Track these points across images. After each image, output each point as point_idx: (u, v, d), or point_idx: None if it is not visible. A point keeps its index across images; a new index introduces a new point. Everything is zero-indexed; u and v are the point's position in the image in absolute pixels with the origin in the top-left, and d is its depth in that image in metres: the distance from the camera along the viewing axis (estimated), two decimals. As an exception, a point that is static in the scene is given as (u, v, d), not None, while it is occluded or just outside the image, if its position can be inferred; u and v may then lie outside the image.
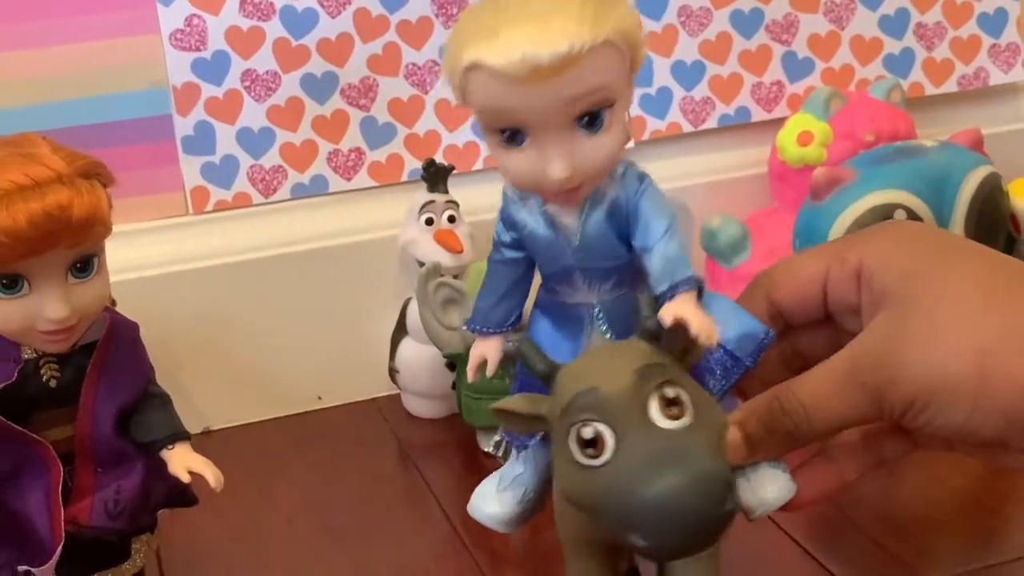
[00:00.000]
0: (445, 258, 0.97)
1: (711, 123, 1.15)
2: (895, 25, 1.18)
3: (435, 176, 1.00)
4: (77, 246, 0.61)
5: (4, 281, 0.61)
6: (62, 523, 0.65)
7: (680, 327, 0.54)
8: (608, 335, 0.60)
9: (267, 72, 1.02)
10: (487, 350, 0.63)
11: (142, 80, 1.00)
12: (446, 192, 1.01)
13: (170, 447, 0.67)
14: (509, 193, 0.61)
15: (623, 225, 0.58)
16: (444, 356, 0.96)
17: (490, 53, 0.53)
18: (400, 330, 1.03)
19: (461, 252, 0.98)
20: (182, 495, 0.71)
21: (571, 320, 0.61)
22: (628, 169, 0.59)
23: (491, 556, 0.82)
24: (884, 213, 0.92)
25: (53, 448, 0.65)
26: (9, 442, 0.64)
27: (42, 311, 0.62)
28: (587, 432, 0.53)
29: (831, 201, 0.95)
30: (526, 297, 0.64)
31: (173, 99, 1.01)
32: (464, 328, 0.66)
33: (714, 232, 1.05)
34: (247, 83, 1.02)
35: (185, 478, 0.66)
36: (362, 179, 1.07)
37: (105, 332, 0.66)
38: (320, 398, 1.07)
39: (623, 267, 0.60)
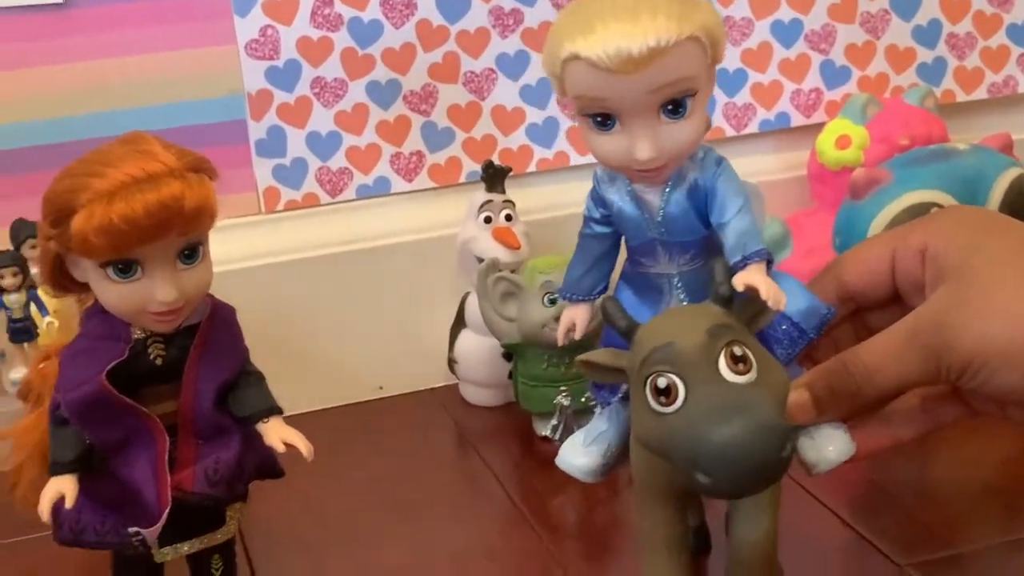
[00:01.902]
0: (503, 254, 1.01)
1: (752, 128, 1.18)
2: (928, 35, 1.20)
3: (493, 177, 1.04)
4: (186, 234, 0.66)
5: (120, 266, 0.65)
6: (168, 489, 0.69)
7: (750, 294, 0.59)
8: (685, 303, 0.66)
9: (335, 79, 1.07)
10: (576, 315, 0.69)
11: (219, 87, 1.04)
12: (503, 192, 1.05)
13: (265, 420, 0.71)
14: (600, 173, 0.67)
15: (701, 203, 0.63)
16: (502, 346, 1.00)
17: (586, 46, 0.58)
18: (459, 322, 1.07)
19: (518, 248, 1.02)
20: (271, 467, 0.74)
21: (652, 289, 0.67)
22: (707, 153, 0.64)
23: (552, 530, 0.86)
24: (919, 212, 0.94)
25: (164, 433, 0.69)
26: (120, 414, 0.68)
27: (153, 294, 0.66)
28: (661, 382, 0.57)
29: (870, 200, 0.98)
30: (612, 269, 0.69)
31: (248, 105, 1.05)
32: (559, 297, 0.71)
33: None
34: (316, 90, 1.06)
35: (280, 448, 0.70)
36: (423, 180, 1.11)
37: (207, 315, 0.70)
38: (381, 388, 1.11)
39: (700, 241, 0.65)
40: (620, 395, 0.68)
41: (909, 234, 0.66)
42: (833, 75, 1.19)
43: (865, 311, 0.70)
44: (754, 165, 1.16)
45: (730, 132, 1.17)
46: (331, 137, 1.08)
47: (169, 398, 0.70)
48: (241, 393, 0.71)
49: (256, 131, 1.06)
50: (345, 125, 1.08)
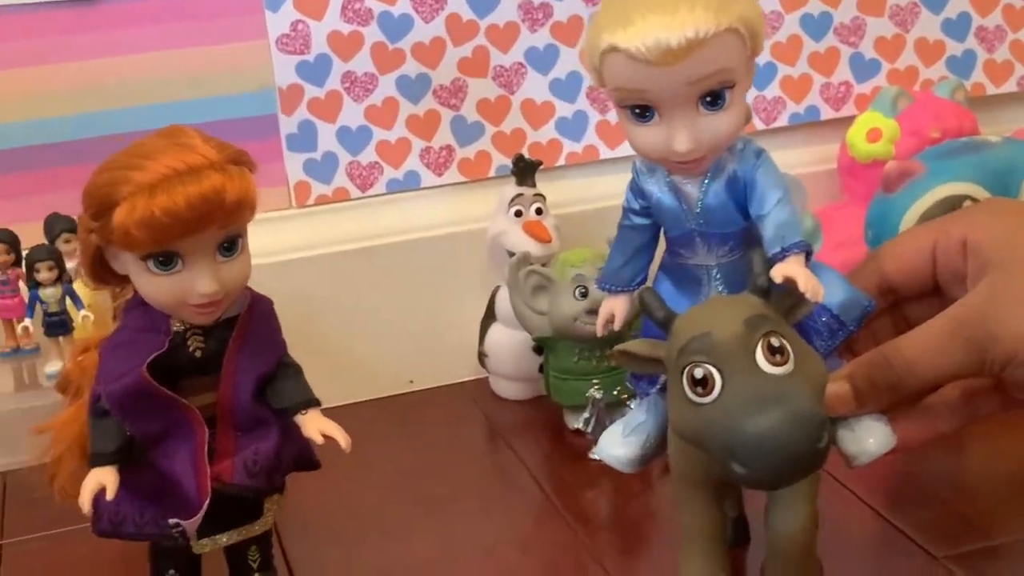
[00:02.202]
0: (534, 248, 1.01)
1: (782, 121, 1.17)
2: (957, 28, 1.20)
3: (524, 171, 1.04)
4: (227, 227, 0.66)
5: (161, 258, 0.65)
6: (208, 480, 0.69)
7: (789, 285, 0.59)
8: (723, 294, 0.66)
9: (365, 74, 1.07)
10: (615, 306, 0.70)
11: (251, 82, 1.05)
12: (534, 186, 1.05)
13: (304, 412, 0.71)
14: (639, 165, 0.67)
15: (740, 195, 0.63)
16: (533, 339, 1.00)
17: (625, 38, 0.58)
18: (489, 316, 1.07)
19: (549, 242, 1.02)
20: (308, 459, 0.75)
21: (691, 280, 0.67)
22: (747, 144, 0.64)
23: (585, 522, 0.86)
24: (952, 204, 0.94)
25: (203, 425, 0.70)
26: (160, 406, 0.68)
27: (194, 286, 0.66)
28: (698, 372, 0.57)
29: (902, 193, 0.97)
30: (651, 260, 0.69)
31: (279, 99, 1.05)
32: (598, 288, 0.71)
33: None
34: (347, 84, 1.07)
35: (319, 440, 0.70)
36: (452, 174, 1.11)
37: (246, 307, 0.71)
38: (412, 381, 1.11)
39: (739, 233, 0.65)
40: (658, 386, 0.68)
41: (951, 226, 0.66)
42: (863, 68, 1.19)
43: (904, 303, 0.70)
44: (784, 159, 1.09)
45: (760, 126, 1.17)
46: (361, 131, 1.08)
47: (208, 390, 0.70)
48: (279, 385, 0.72)
49: (287, 125, 1.06)
50: (375, 119, 1.08)
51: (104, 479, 0.68)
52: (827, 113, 1.19)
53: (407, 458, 0.99)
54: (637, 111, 0.62)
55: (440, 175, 1.11)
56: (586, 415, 0.94)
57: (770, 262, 0.61)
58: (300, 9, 1.04)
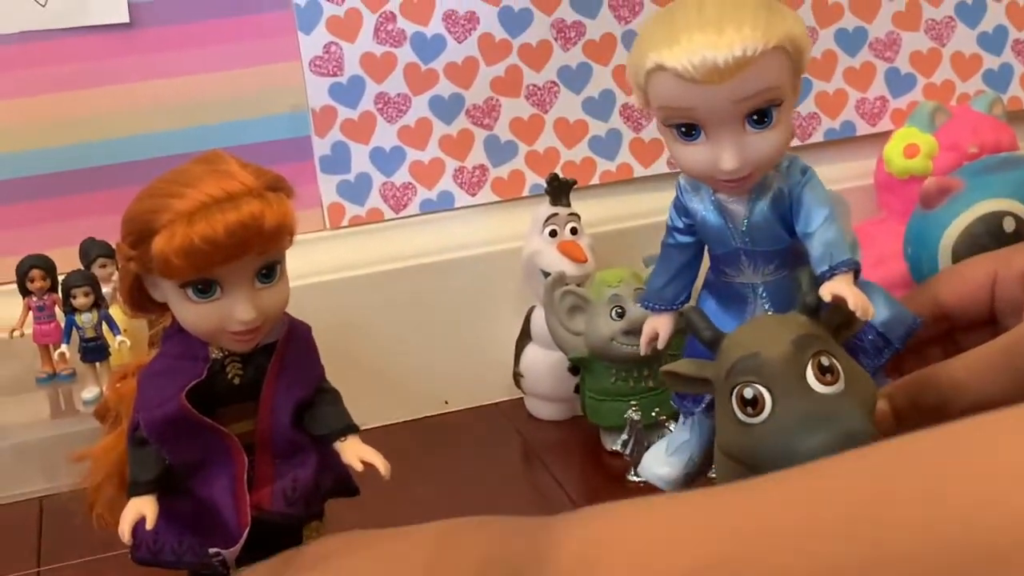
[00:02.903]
0: (569, 268, 1.00)
1: (817, 137, 1.17)
2: (993, 41, 1.19)
3: (558, 190, 1.04)
4: (265, 253, 0.65)
5: (200, 286, 0.64)
6: (248, 508, 0.68)
7: (838, 303, 0.58)
8: (770, 313, 0.65)
9: (398, 95, 1.07)
10: (659, 325, 0.69)
11: (284, 104, 1.05)
12: (568, 205, 1.04)
13: (343, 439, 0.70)
14: (683, 183, 0.66)
15: (786, 213, 0.63)
16: (569, 360, 0.99)
17: (671, 56, 0.58)
18: (524, 336, 1.06)
19: (585, 261, 1.01)
20: (347, 486, 0.74)
21: (736, 299, 0.66)
22: (792, 161, 0.64)
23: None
24: (993, 221, 0.94)
25: (242, 452, 0.69)
26: (199, 434, 0.68)
27: (232, 313, 0.65)
28: (748, 392, 0.57)
29: (942, 210, 0.97)
30: (695, 278, 0.69)
31: (312, 121, 1.05)
32: (641, 306, 0.71)
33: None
34: (380, 105, 1.06)
35: (358, 467, 0.69)
36: (486, 194, 1.10)
37: (284, 333, 0.70)
38: (447, 402, 1.10)
39: (785, 251, 0.64)
40: (703, 405, 0.67)
41: (1012, 256, 0.65)
42: (898, 83, 1.18)
43: (958, 332, 0.69)
44: (820, 174, 1.09)
45: (795, 142, 1.13)
46: (395, 152, 1.08)
47: (246, 417, 0.70)
48: (318, 411, 0.71)
49: (320, 147, 1.06)
50: (408, 140, 1.08)
51: (143, 508, 0.68)
52: (863, 129, 1.18)
53: (443, 480, 0.98)
54: (683, 129, 0.61)
55: (474, 195, 1.11)
56: (624, 437, 0.93)
57: (818, 280, 0.60)
58: (333, 31, 1.04)
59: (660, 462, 0.70)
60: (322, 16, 1.04)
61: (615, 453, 0.96)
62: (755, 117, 0.60)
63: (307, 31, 1.04)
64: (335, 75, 1.05)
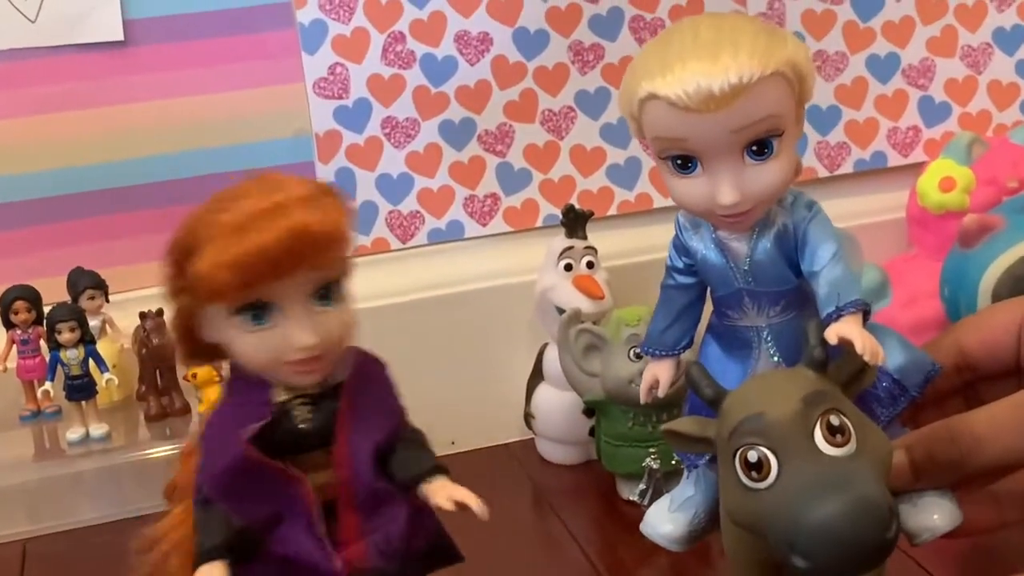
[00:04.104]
0: (585, 304, 0.97)
1: (847, 168, 1.15)
2: None
3: (574, 222, 1.01)
4: (320, 266, 0.60)
5: (254, 312, 0.60)
6: (332, 550, 0.63)
7: (846, 348, 0.55)
8: (776, 358, 0.62)
9: (407, 119, 1.04)
10: (659, 371, 0.66)
11: (286, 128, 1.02)
12: (585, 238, 1.01)
13: (429, 480, 0.65)
14: (682, 220, 0.63)
15: (791, 251, 0.60)
16: (585, 402, 0.96)
17: (664, 84, 0.56)
18: (536, 375, 1.03)
19: (602, 298, 0.98)
20: (446, 550, 0.69)
21: (741, 343, 0.63)
22: (797, 197, 0.61)
23: (638, 599, 0.82)
24: None
25: (314, 495, 0.64)
26: (267, 483, 0.62)
27: (290, 340, 0.60)
28: (752, 456, 0.54)
29: (982, 249, 0.94)
30: (698, 321, 0.66)
31: (316, 146, 1.03)
32: (641, 352, 0.68)
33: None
34: (387, 130, 1.04)
35: (448, 506, 0.63)
36: (498, 224, 1.08)
37: (352, 369, 0.65)
38: (453, 443, 1.05)
39: (791, 292, 0.61)
40: (708, 457, 0.64)
41: None
42: (932, 112, 1.16)
43: (981, 383, 0.65)
44: (849, 207, 1.13)
45: (823, 172, 1.14)
46: (402, 179, 1.05)
47: (320, 468, 0.64)
48: (401, 455, 0.65)
49: (324, 173, 1.04)
50: (417, 167, 1.06)
51: (213, 575, 0.62)
52: (894, 159, 1.16)
53: (446, 524, 0.94)
54: (679, 162, 0.59)
55: (485, 225, 1.08)
56: (642, 486, 0.90)
57: (824, 323, 0.57)
58: (339, 52, 1.02)
59: (664, 519, 0.66)
60: (327, 36, 1.02)
61: (632, 503, 0.93)
62: (755, 148, 0.58)
63: (311, 51, 1.02)
64: (340, 98, 1.03)
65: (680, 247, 0.64)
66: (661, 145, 0.59)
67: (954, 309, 0.97)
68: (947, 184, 1.05)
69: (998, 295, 0.92)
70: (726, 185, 0.58)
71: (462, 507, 0.64)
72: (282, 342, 0.61)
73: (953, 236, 1.00)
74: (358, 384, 0.65)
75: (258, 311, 0.60)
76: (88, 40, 0.97)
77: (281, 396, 0.63)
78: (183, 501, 0.68)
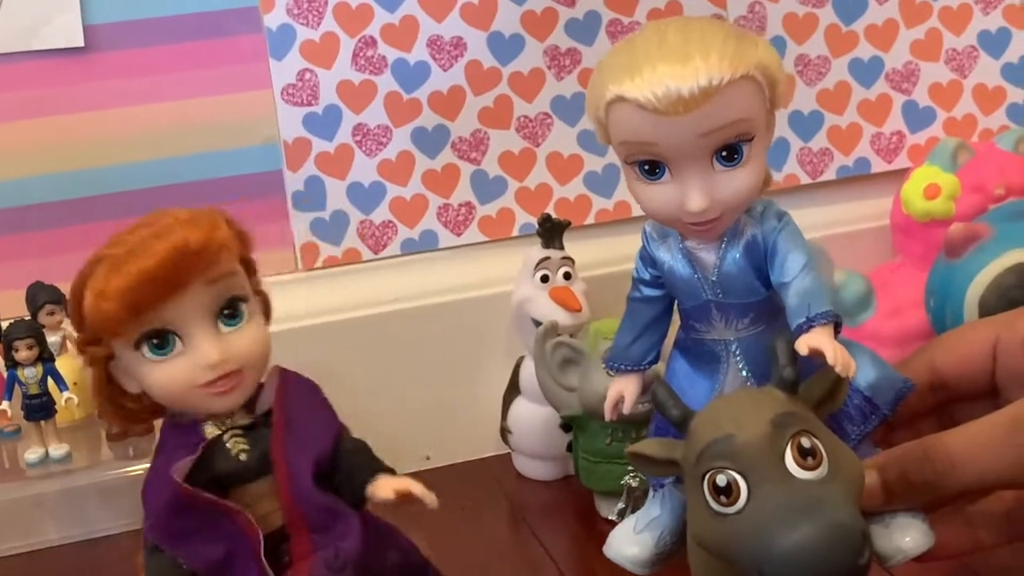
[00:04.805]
0: (562, 316, 0.96)
1: (829, 174, 1.14)
2: (1019, 73, 1.16)
3: (551, 232, 0.99)
4: (212, 282, 0.61)
5: (155, 341, 0.61)
6: None
7: (819, 366, 0.55)
8: (745, 372, 0.61)
9: (378, 126, 1.03)
10: (625, 387, 0.65)
11: (254, 136, 1.01)
12: (562, 248, 0.99)
13: (372, 481, 0.65)
14: (649, 230, 0.63)
15: (761, 262, 0.59)
16: (561, 417, 0.94)
17: (633, 87, 0.55)
18: (512, 389, 1.01)
19: (579, 310, 0.97)
20: (422, 571, 0.69)
21: (709, 358, 0.62)
22: (767, 206, 0.60)
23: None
24: None
25: (262, 525, 0.63)
26: (211, 522, 0.62)
27: (198, 360, 0.61)
28: (721, 480, 0.53)
29: (968, 259, 0.92)
30: (664, 335, 0.66)
31: (284, 154, 1.01)
32: (605, 367, 0.67)
33: (837, 288, 1.03)
34: (358, 137, 1.02)
35: (391, 497, 0.64)
36: (473, 234, 1.06)
37: (277, 387, 0.65)
38: (428, 458, 1.05)
39: (760, 304, 0.60)
40: (674, 477, 0.62)
41: (1017, 320, 0.63)
42: (916, 117, 1.15)
43: (955, 404, 0.65)
44: (831, 215, 1.12)
45: (805, 179, 1.12)
46: (374, 188, 1.04)
47: (267, 496, 0.64)
48: (345, 470, 0.66)
49: (293, 182, 1.02)
50: (389, 175, 1.04)
51: None
52: (878, 166, 1.15)
53: (419, 543, 0.92)
54: (646, 168, 0.58)
55: (459, 234, 1.06)
56: (621, 505, 0.87)
57: (795, 334, 0.56)
58: (307, 57, 1.00)
59: (629, 541, 0.65)
60: (296, 41, 1.00)
61: (611, 521, 0.90)
62: (724, 154, 0.57)
63: (279, 57, 1.00)
64: (310, 104, 1.01)
65: (647, 258, 0.63)
66: (628, 150, 0.58)
67: (940, 320, 0.96)
68: (932, 191, 1.04)
69: (985, 306, 0.91)
70: (695, 191, 0.57)
71: (406, 497, 0.64)
72: (191, 365, 0.61)
73: (939, 244, 0.98)
74: (286, 404, 0.65)
75: (159, 340, 0.61)
76: (47, 47, 0.95)
77: (213, 432, 0.63)
78: None
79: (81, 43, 0.95)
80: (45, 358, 0.89)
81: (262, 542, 0.62)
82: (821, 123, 1.12)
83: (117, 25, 0.96)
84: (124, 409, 0.65)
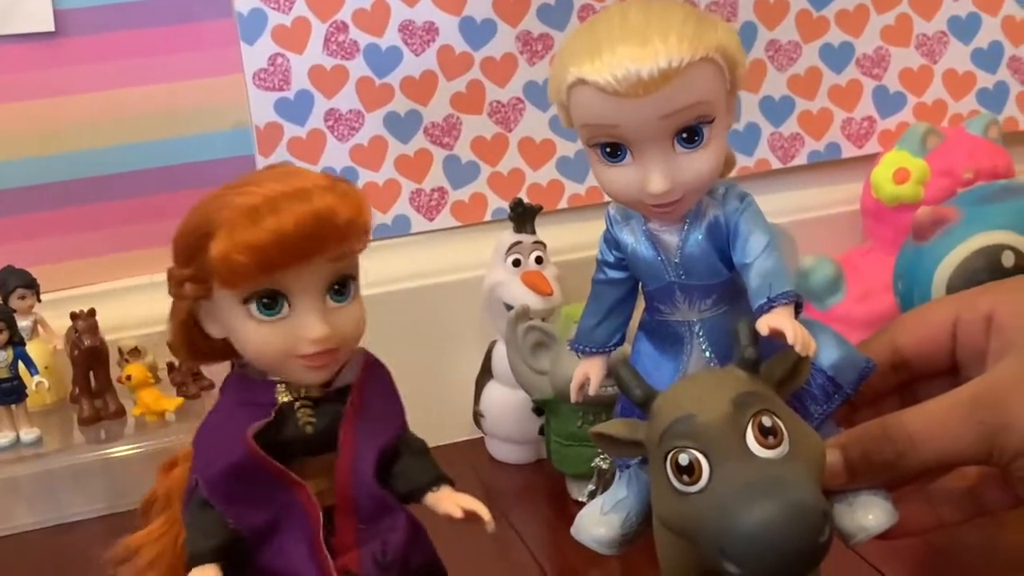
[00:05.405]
0: (534, 300, 0.96)
1: (800, 159, 1.14)
2: (988, 58, 1.17)
3: (523, 216, 0.99)
4: (338, 257, 0.59)
5: (265, 300, 0.58)
6: (332, 569, 0.60)
7: (780, 346, 0.55)
8: (708, 353, 0.61)
9: (350, 111, 1.02)
10: (590, 369, 0.65)
11: (225, 120, 1.00)
12: (533, 232, 0.99)
13: (435, 489, 0.63)
14: (613, 213, 0.63)
15: (723, 243, 0.60)
16: (533, 401, 0.95)
17: (592, 70, 0.55)
18: (485, 373, 1.02)
19: (550, 294, 0.97)
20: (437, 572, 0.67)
21: (673, 339, 0.62)
22: (729, 188, 0.60)
23: (587, 604, 0.80)
24: (991, 255, 0.89)
25: (316, 502, 0.61)
26: (268, 487, 0.60)
27: (303, 331, 0.59)
28: (683, 459, 0.53)
29: (936, 242, 0.92)
30: (629, 318, 0.65)
31: (256, 139, 1.01)
32: (570, 349, 0.66)
33: (807, 272, 1.03)
34: (330, 122, 1.02)
35: (457, 514, 0.62)
36: (445, 219, 1.06)
37: (361, 370, 0.63)
38: None
39: (723, 285, 0.61)
40: (639, 458, 0.62)
41: (977, 298, 0.62)
42: (887, 102, 1.15)
43: (917, 383, 0.65)
44: (802, 200, 1.13)
45: (776, 164, 1.13)
46: (346, 173, 1.03)
47: (322, 474, 0.62)
48: (404, 465, 0.64)
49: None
50: (361, 160, 1.04)
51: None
52: (849, 151, 1.15)
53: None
54: (608, 150, 0.58)
55: (432, 219, 1.06)
56: (591, 487, 0.88)
57: (756, 314, 0.56)
58: (279, 42, 1.00)
59: (596, 522, 0.65)
60: (267, 25, 1.00)
61: (582, 503, 0.89)
62: (685, 135, 0.57)
63: (250, 41, 0.99)
64: (281, 89, 1.01)
65: (611, 240, 0.63)
66: (590, 132, 0.58)
67: (908, 304, 0.95)
68: (901, 176, 1.04)
69: (952, 289, 0.90)
70: (656, 173, 0.57)
71: (471, 516, 0.62)
72: (294, 334, 0.59)
73: (908, 229, 0.98)
74: (366, 385, 0.63)
75: (270, 300, 0.58)
76: (17, 31, 0.95)
77: (284, 397, 0.61)
78: (163, 514, 0.65)
79: (51, 28, 0.95)
80: (16, 342, 0.89)
81: (321, 520, 0.61)
82: (792, 108, 1.12)
83: (88, 10, 0.96)
84: (195, 345, 0.62)
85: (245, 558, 0.61)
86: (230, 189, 0.58)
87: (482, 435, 1.04)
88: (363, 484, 0.62)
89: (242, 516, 0.60)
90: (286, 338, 0.59)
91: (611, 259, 0.63)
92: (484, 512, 0.62)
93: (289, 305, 0.58)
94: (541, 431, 0.97)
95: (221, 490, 0.60)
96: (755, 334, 0.56)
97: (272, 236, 0.56)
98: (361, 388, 0.63)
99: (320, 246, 0.57)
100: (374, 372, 0.64)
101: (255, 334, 0.59)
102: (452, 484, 0.64)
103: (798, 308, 0.57)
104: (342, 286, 0.60)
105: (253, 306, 0.58)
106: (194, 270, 0.58)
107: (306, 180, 0.58)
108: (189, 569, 0.59)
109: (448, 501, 0.62)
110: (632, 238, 0.62)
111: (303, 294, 0.58)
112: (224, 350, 0.61)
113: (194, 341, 0.62)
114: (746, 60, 0.58)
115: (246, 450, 0.59)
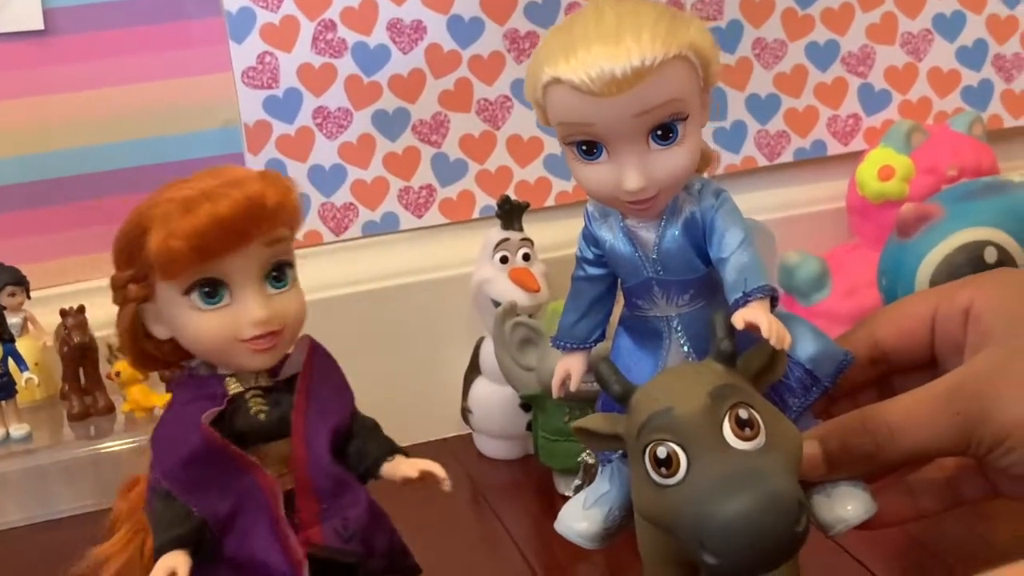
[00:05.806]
0: (521, 297, 0.96)
1: (786, 157, 1.14)
2: (973, 56, 1.17)
3: (510, 214, 0.99)
4: (273, 242, 0.61)
5: (206, 289, 0.60)
6: (295, 544, 0.62)
7: (756, 338, 0.55)
8: (686, 348, 0.62)
9: (339, 109, 1.02)
10: (571, 365, 0.66)
11: (214, 118, 1.00)
12: (521, 230, 1.00)
13: (390, 459, 0.66)
14: (591, 210, 0.63)
15: (699, 239, 0.60)
16: (520, 397, 0.95)
17: (567, 69, 0.56)
18: (473, 369, 1.02)
19: (538, 291, 0.97)
20: (403, 561, 0.69)
21: (652, 334, 0.63)
22: (705, 184, 0.61)
23: (574, 599, 0.81)
24: (974, 251, 0.89)
25: (275, 481, 0.63)
26: (227, 474, 0.62)
27: (245, 315, 0.61)
28: (661, 451, 0.54)
29: (919, 238, 0.92)
30: (609, 314, 0.66)
31: (245, 137, 1.01)
32: (552, 345, 0.67)
33: (792, 269, 1.03)
34: (319, 120, 1.02)
35: (414, 474, 0.65)
36: (433, 216, 1.07)
37: (306, 356, 0.65)
38: None
39: (700, 280, 0.61)
40: (621, 452, 0.63)
41: (955, 292, 0.63)
42: (872, 100, 1.15)
43: (895, 376, 0.66)
44: (788, 197, 1.13)
45: (762, 161, 1.13)
46: (335, 171, 1.04)
47: (279, 460, 0.64)
48: (358, 444, 0.66)
49: (254, 165, 1.01)
50: (350, 158, 1.04)
51: (174, 563, 0.60)
52: (834, 148, 1.15)
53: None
54: (583, 148, 0.59)
55: (420, 217, 1.06)
56: (577, 481, 0.88)
57: (732, 308, 0.57)
58: (267, 40, 1.00)
59: (578, 516, 0.65)
60: (256, 24, 1.00)
61: (569, 498, 0.90)
62: (659, 133, 0.58)
63: (239, 40, 1.00)
64: (270, 87, 1.01)
65: (589, 237, 0.63)
66: (566, 131, 0.59)
67: (892, 300, 0.95)
68: (886, 173, 1.04)
69: (935, 285, 0.90)
70: (631, 170, 0.58)
71: (427, 477, 0.65)
72: (236, 319, 0.61)
73: (893, 225, 0.98)
74: (312, 373, 0.65)
75: (211, 289, 0.61)
76: (6, 30, 0.94)
77: (235, 388, 0.63)
78: (127, 523, 0.67)
79: (41, 26, 0.95)
80: (5, 339, 0.89)
81: (280, 496, 0.62)
82: (778, 106, 1.12)
83: (77, 8, 0.96)
84: (144, 352, 0.64)
85: (212, 552, 0.62)
86: (163, 190, 0.61)
87: (470, 431, 1.04)
88: (319, 463, 0.64)
89: (205, 503, 0.62)
90: (229, 324, 0.61)
91: (590, 256, 0.64)
92: (439, 471, 0.65)
93: (230, 295, 0.61)
94: (529, 427, 0.98)
95: (182, 479, 0.61)
96: (731, 327, 0.56)
97: (206, 219, 0.58)
98: (309, 373, 0.65)
99: (253, 227, 0.60)
100: (319, 356, 0.67)
101: (199, 323, 0.61)
102: (406, 454, 0.66)
103: (774, 302, 0.58)
104: (280, 272, 0.63)
105: (195, 296, 0.61)
106: (135, 270, 0.61)
107: (237, 173, 0.61)
108: (157, 557, 0.60)
109: (404, 465, 0.65)
110: (610, 235, 0.62)
111: (243, 280, 0.61)
112: (172, 353, 0.64)
113: (142, 347, 0.64)
114: (719, 58, 0.58)
115: (202, 436, 0.61)
